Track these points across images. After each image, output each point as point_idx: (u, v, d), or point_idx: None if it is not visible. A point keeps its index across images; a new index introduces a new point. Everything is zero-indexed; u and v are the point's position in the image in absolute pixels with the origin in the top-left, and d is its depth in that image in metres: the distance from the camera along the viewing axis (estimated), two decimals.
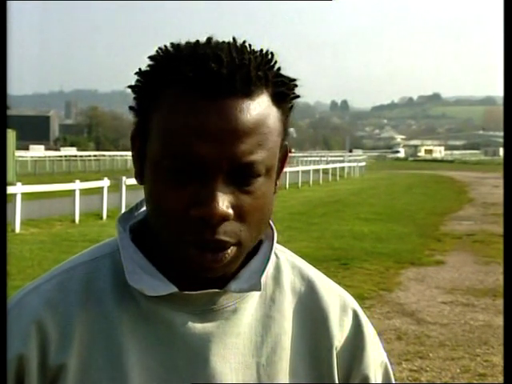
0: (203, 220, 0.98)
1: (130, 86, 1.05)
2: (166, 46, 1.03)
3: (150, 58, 1.04)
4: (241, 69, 0.98)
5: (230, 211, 0.98)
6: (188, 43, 1.02)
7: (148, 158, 1.02)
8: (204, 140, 0.96)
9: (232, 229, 0.99)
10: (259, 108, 0.99)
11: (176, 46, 1.02)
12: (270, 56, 1.03)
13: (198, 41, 1.02)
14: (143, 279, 1.04)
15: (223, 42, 1.02)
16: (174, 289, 1.04)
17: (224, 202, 0.97)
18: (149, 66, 1.04)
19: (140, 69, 1.05)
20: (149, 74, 1.03)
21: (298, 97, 1.06)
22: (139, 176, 1.06)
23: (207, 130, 0.96)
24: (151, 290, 1.04)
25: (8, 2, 1.15)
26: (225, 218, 0.98)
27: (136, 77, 1.05)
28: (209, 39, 1.02)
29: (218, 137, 0.96)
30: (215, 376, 1.05)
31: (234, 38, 1.02)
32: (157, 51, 1.04)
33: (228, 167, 0.97)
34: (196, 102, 0.97)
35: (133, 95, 1.05)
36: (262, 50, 1.03)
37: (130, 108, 1.06)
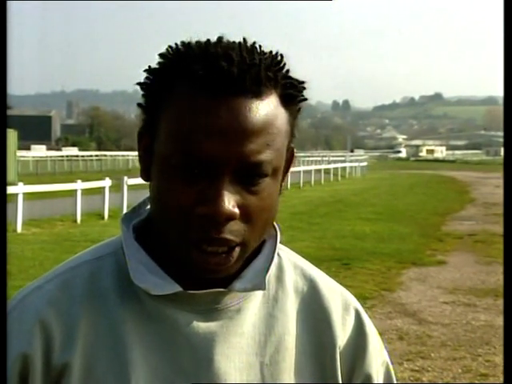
0: (209, 218, 0.98)
1: (139, 83, 1.05)
2: (176, 45, 1.03)
3: (161, 55, 1.04)
4: (251, 69, 0.98)
5: (236, 210, 0.98)
6: (198, 42, 1.03)
7: (156, 155, 1.02)
8: (213, 138, 0.96)
9: (237, 228, 1.00)
10: (268, 108, 0.99)
11: (187, 45, 1.03)
12: (279, 57, 1.03)
13: (208, 40, 1.02)
14: (147, 278, 1.04)
15: (233, 42, 1.02)
16: (178, 288, 1.04)
17: (230, 201, 0.98)
18: (159, 63, 1.04)
19: (150, 66, 1.05)
20: (158, 71, 1.03)
21: (306, 99, 1.06)
22: (145, 173, 1.06)
23: (217, 129, 0.96)
24: (156, 288, 1.04)
25: (8, 2, 1.15)
26: (231, 217, 0.98)
27: (145, 74, 1.05)
28: (219, 38, 1.02)
29: (227, 135, 0.96)
30: (219, 375, 1.05)
31: (244, 39, 1.03)
32: (167, 49, 1.04)
33: (236, 166, 0.97)
34: (206, 100, 0.97)
35: (141, 93, 1.05)
36: (271, 52, 1.03)
37: (139, 105, 1.06)
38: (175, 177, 0.99)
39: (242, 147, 0.97)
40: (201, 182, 0.98)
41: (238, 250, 1.01)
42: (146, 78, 1.05)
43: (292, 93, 1.03)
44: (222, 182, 0.98)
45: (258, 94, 0.99)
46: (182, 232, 1.00)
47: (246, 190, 1.00)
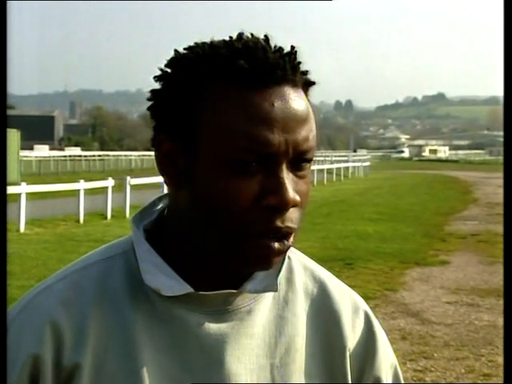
0: (275, 208, 0.99)
1: (152, 91, 1.04)
2: (197, 44, 1.03)
3: (182, 58, 1.03)
4: (289, 58, 1.01)
5: (297, 197, 1.00)
6: (216, 41, 1.03)
7: (202, 156, 1.00)
8: (271, 128, 0.98)
9: (295, 216, 1.01)
10: (304, 96, 1.03)
11: (209, 44, 1.03)
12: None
13: (231, 37, 1.03)
14: (159, 279, 1.04)
15: (249, 37, 1.03)
16: (189, 289, 1.04)
17: (291, 189, 0.99)
18: (183, 65, 1.02)
19: (165, 72, 1.04)
20: (187, 72, 1.01)
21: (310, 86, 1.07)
22: (175, 179, 1.04)
23: (273, 118, 0.98)
24: (167, 289, 1.04)
25: (8, 2, 1.14)
26: (295, 204, 1.00)
27: (152, 80, 1.04)
28: (240, 35, 1.03)
29: (283, 124, 0.98)
30: (230, 376, 1.06)
31: (252, 35, 1.03)
32: (176, 54, 1.03)
33: (292, 153, 0.99)
34: (256, 91, 0.98)
35: (146, 95, 1.04)
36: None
37: (154, 110, 1.04)
38: (231, 172, 0.98)
39: (296, 134, 0.99)
40: (259, 174, 0.99)
41: (291, 238, 1.02)
42: (165, 83, 1.03)
43: (310, 81, 1.05)
44: (281, 170, 0.99)
45: (296, 82, 1.01)
46: (245, 225, 0.99)
47: (296, 176, 1.01)
